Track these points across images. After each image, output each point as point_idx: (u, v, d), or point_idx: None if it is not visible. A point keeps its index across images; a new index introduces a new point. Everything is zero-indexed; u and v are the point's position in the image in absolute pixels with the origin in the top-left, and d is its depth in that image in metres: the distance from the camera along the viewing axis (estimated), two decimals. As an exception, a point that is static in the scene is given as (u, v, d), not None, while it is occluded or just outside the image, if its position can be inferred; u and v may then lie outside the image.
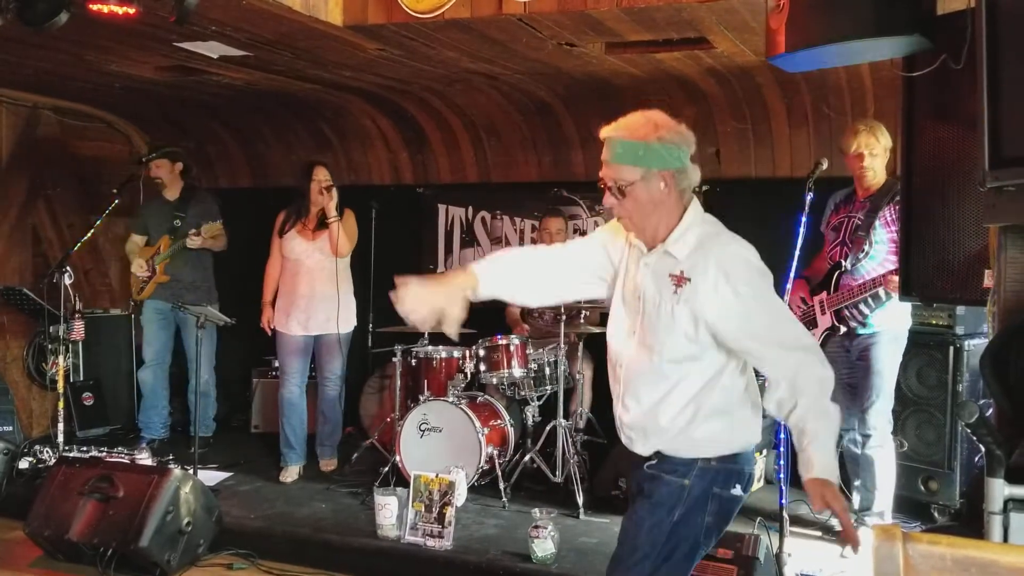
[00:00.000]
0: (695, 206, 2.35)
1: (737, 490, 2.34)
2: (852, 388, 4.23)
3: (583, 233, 6.08)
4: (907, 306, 4.10)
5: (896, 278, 3.81)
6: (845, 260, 4.13)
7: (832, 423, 2.22)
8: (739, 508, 2.41)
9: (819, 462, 2.17)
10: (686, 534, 2.31)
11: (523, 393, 5.22)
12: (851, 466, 4.31)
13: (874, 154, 4.04)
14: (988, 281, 2.36)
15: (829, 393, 2.23)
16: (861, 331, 4.11)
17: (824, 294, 4.21)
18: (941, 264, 2.65)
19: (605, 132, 2.33)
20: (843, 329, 4.14)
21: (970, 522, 4.17)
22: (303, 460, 5.35)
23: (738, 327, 2.22)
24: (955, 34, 2.38)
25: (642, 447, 2.38)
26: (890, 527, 1.28)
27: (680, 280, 2.25)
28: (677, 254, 2.28)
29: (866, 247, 4.06)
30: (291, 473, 5.27)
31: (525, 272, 2.48)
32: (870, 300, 4.02)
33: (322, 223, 5.22)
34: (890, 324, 4.08)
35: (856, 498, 4.31)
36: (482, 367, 5.10)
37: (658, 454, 2.37)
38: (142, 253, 5.87)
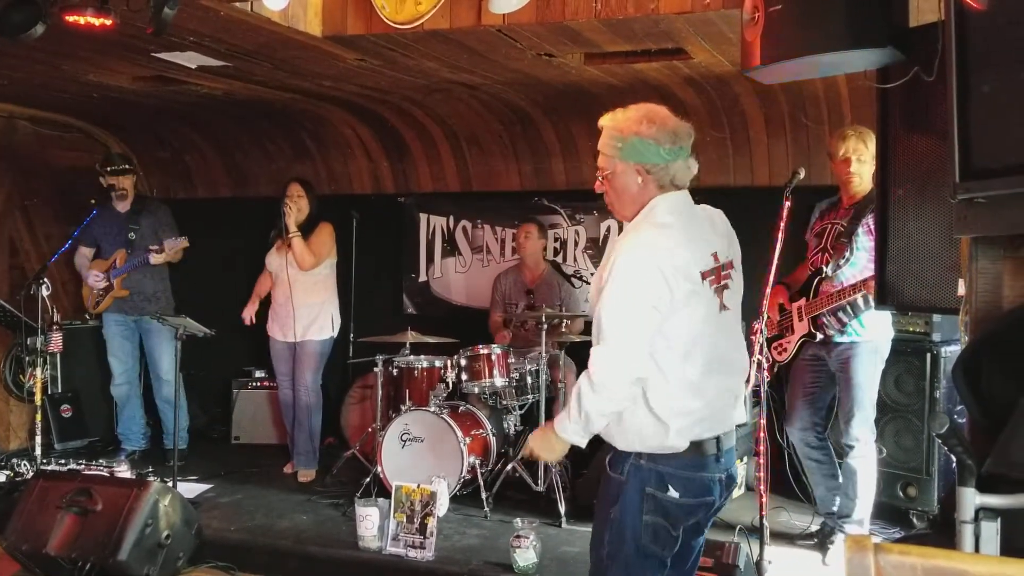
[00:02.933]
0: (663, 200, 2.42)
1: (672, 492, 2.32)
2: (813, 397, 4.23)
3: (563, 243, 6.11)
4: (888, 317, 4.10)
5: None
6: (826, 266, 4.12)
7: (577, 398, 2.38)
8: (701, 513, 2.38)
9: (557, 419, 2.47)
10: (626, 532, 2.33)
11: (505, 402, 5.22)
12: (811, 476, 4.32)
13: (862, 160, 4.00)
14: (962, 289, 2.39)
15: (588, 384, 2.35)
16: (839, 339, 4.08)
17: (803, 300, 4.20)
18: (916, 273, 2.67)
19: (600, 120, 2.48)
20: (819, 336, 4.13)
21: (945, 529, 4.22)
22: None
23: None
24: (927, 46, 2.40)
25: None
26: (862, 537, 1.30)
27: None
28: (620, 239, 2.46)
29: (847, 254, 4.04)
30: (291, 466, 5.62)
31: None
32: (849, 308, 4.00)
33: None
34: (871, 334, 4.05)
35: (820, 503, 4.33)
36: (464, 376, 5.10)
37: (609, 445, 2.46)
38: (96, 266, 5.85)
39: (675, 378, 2.33)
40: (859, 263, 4.05)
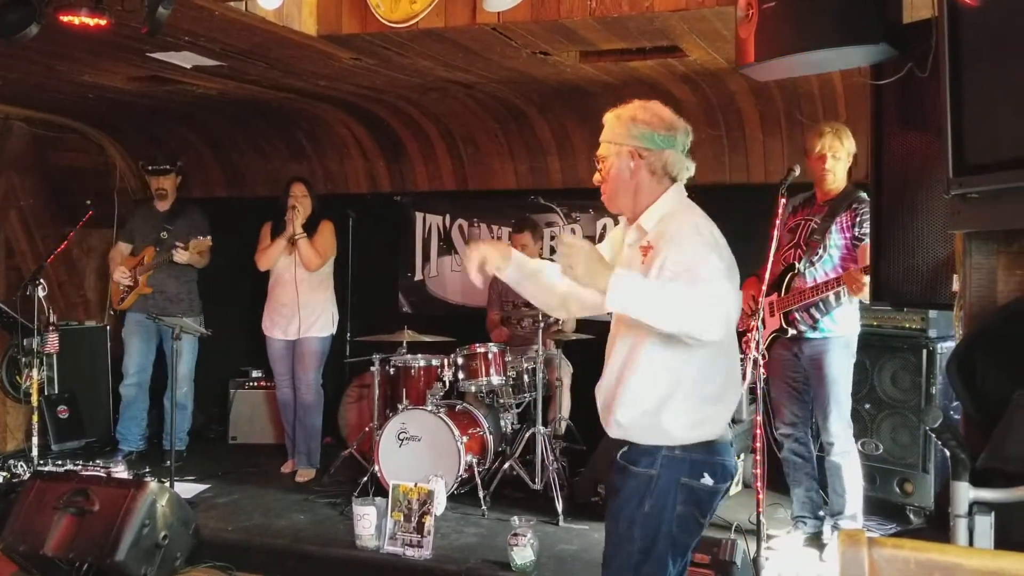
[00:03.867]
0: (676, 189, 2.48)
1: (707, 479, 2.35)
2: (799, 394, 4.20)
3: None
4: (856, 312, 4.12)
5: (862, 277, 3.80)
6: (799, 262, 4.10)
7: (653, 306, 2.17)
8: (718, 499, 2.42)
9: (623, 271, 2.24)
10: (660, 525, 2.33)
11: (502, 401, 5.23)
12: (793, 471, 4.28)
13: (837, 157, 4.01)
14: (957, 285, 2.39)
15: (680, 318, 2.16)
16: (811, 335, 4.06)
17: (775, 296, 4.15)
18: (910, 268, 2.67)
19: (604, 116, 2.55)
20: (791, 332, 4.10)
21: (940, 524, 4.23)
22: None
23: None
24: (921, 43, 2.41)
25: (608, 426, 2.46)
26: (855, 532, 1.30)
27: (646, 250, 2.39)
28: (646, 226, 2.43)
29: (820, 251, 4.03)
30: (289, 465, 5.63)
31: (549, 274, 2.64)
32: (821, 304, 3.99)
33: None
34: (841, 330, 4.06)
35: (800, 505, 4.29)
36: (460, 375, 5.11)
37: (625, 441, 2.42)
38: (125, 262, 5.86)
39: (723, 360, 2.37)
40: (832, 260, 4.05)
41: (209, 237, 5.68)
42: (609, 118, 2.52)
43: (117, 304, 5.93)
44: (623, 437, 2.42)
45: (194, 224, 5.85)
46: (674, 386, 2.33)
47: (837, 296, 3.94)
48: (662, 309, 2.15)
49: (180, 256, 5.61)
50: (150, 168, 5.88)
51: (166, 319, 5.20)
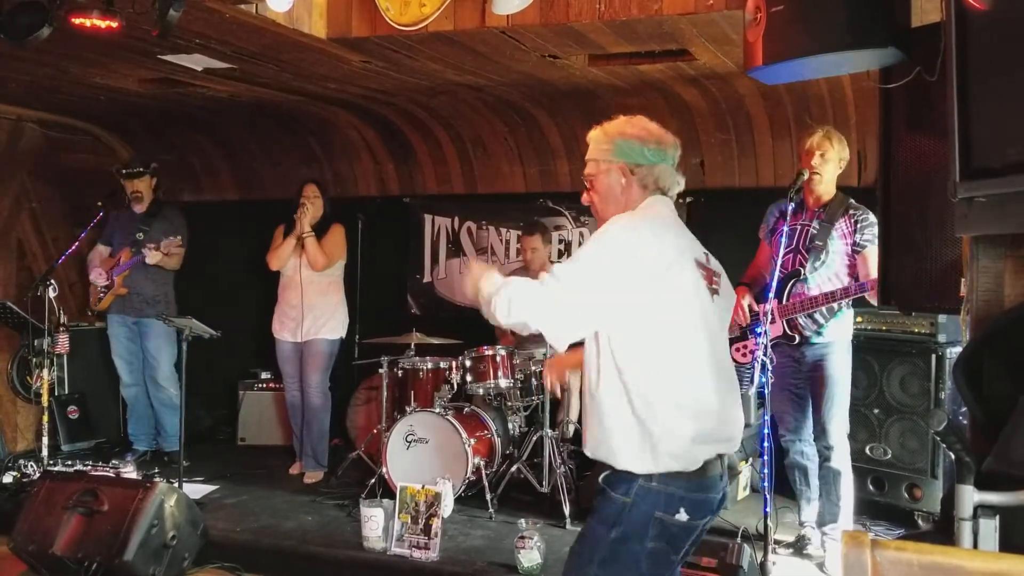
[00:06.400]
0: (651, 200, 2.40)
1: (682, 515, 2.22)
2: (800, 399, 4.16)
3: (568, 244, 6.11)
4: (851, 316, 4.13)
5: None
6: (803, 268, 4.05)
7: (492, 289, 2.24)
8: (694, 536, 2.31)
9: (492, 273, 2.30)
10: (624, 554, 2.23)
11: (510, 403, 5.23)
12: (800, 477, 4.23)
13: (825, 158, 3.97)
14: (964, 290, 2.38)
15: (514, 297, 2.19)
16: (816, 340, 4.04)
17: (775, 302, 4.07)
18: (919, 272, 2.67)
19: (588, 135, 2.50)
20: (797, 338, 4.06)
21: (946, 528, 4.20)
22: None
23: None
24: (929, 46, 2.40)
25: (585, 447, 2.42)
26: (858, 533, 1.30)
27: None
28: None
29: (823, 256, 4.02)
30: (297, 467, 5.66)
31: None
32: (825, 309, 3.99)
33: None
34: (843, 334, 4.07)
35: (810, 511, 4.23)
36: (468, 378, 5.11)
37: (607, 464, 2.33)
38: (103, 264, 5.89)
39: (680, 380, 2.23)
40: (833, 266, 4.04)
41: (179, 237, 5.67)
42: (595, 135, 2.46)
43: (94, 305, 5.96)
44: (604, 458, 2.32)
45: (171, 226, 5.84)
46: (624, 409, 2.22)
47: (846, 302, 3.96)
48: (486, 299, 2.23)
49: (151, 257, 5.62)
50: (124, 172, 5.87)
51: (175, 320, 5.22)
